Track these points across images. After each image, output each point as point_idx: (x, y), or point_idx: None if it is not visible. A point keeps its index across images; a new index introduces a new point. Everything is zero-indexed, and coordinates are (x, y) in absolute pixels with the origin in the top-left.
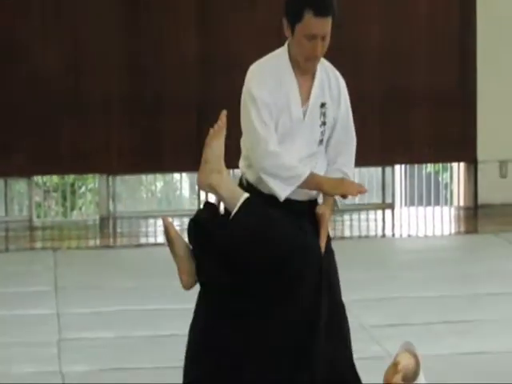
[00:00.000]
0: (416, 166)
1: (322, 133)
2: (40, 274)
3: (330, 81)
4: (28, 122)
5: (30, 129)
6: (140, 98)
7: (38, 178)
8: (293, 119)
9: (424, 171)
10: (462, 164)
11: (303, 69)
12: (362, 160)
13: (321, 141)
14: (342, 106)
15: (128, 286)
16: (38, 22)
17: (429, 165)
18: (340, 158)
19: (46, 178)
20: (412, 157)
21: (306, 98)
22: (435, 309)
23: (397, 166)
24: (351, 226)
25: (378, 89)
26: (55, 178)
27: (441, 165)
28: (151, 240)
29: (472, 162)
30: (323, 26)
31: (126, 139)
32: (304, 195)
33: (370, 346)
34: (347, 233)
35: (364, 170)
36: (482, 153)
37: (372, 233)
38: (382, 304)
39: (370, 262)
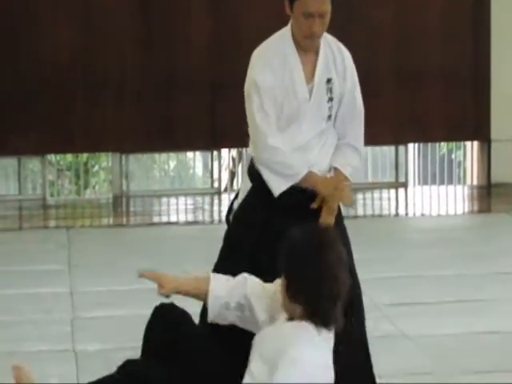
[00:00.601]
0: (429, 144)
1: (330, 108)
2: (53, 252)
3: (334, 56)
4: (41, 100)
5: (43, 107)
6: (153, 76)
7: (51, 157)
8: (299, 99)
9: (438, 150)
10: (475, 143)
11: (303, 47)
12: (375, 139)
13: (329, 116)
14: (347, 80)
15: (141, 265)
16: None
17: (442, 144)
18: (349, 132)
19: (59, 156)
20: (425, 136)
21: (310, 75)
22: (448, 287)
23: (410, 145)
24: (364, 204)
25: (392, 69)
26: (69, 157)
27: (454, 143)
28: (164, 219)
29: (486, 140)
30: (320, 5)
31: (138, 118)
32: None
33: (383, 325)
34: (360, 212)
35: (377, 148)
36: (495, 132)
37: (385, 212)
38: (395, 283)
39: (383, 241)
